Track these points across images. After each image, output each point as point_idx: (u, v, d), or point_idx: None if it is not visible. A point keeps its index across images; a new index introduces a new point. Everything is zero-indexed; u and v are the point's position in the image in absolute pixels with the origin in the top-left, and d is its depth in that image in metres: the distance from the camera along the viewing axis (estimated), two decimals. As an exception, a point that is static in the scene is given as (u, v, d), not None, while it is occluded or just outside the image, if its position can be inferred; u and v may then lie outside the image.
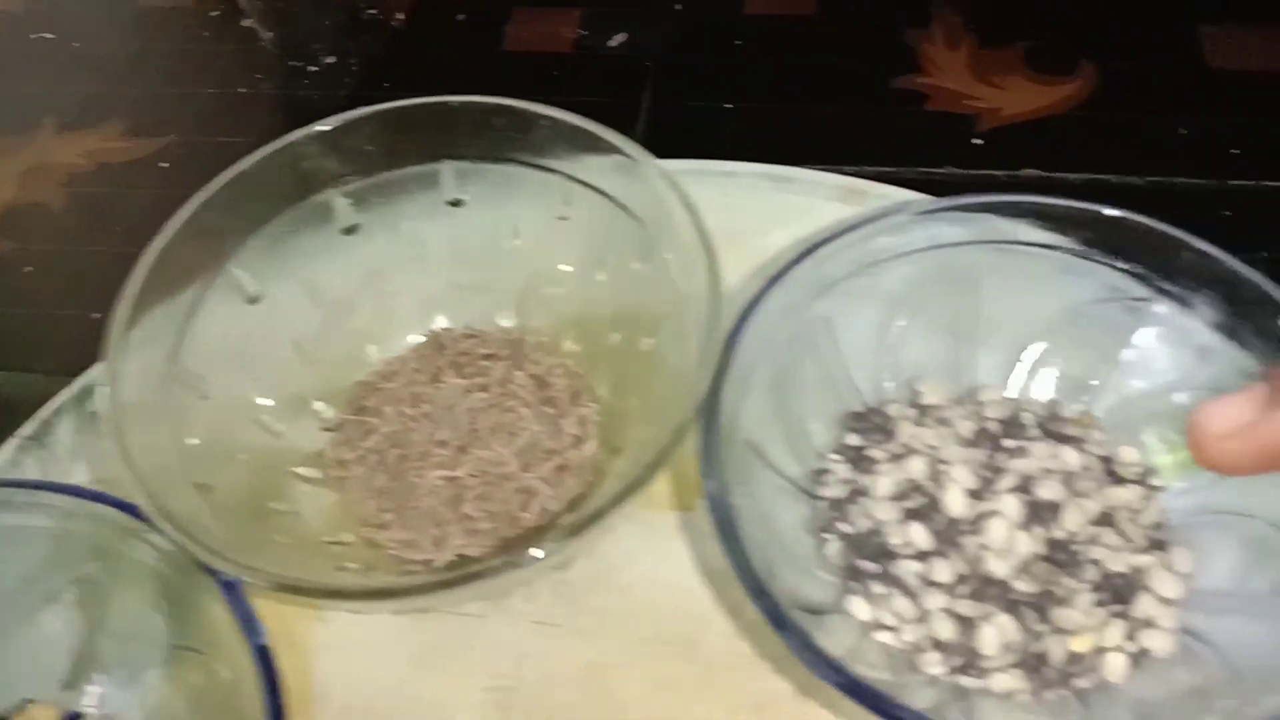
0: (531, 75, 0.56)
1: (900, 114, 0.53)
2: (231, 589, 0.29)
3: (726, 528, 0.28)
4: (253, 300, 0.38)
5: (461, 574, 0.29)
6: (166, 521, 0.29)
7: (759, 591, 0.27)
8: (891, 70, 0.54)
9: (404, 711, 0.35)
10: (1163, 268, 0.34)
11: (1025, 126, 0.52)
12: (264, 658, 0.29)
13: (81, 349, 0.39)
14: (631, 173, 0.36)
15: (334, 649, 0.36)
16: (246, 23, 0.59)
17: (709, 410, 0.30)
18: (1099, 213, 0.34)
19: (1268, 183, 0.49)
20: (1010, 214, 0.35)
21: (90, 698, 0.33)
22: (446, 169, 0.39)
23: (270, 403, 0.38)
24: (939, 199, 0.35)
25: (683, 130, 0.53)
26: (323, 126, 0.37)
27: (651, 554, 0.37)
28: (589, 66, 0.57)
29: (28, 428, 0.40)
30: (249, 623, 0.29)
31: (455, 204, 0.40)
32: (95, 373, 0.40)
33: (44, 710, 0.32)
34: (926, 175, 0.45)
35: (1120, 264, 0.35)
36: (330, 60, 0.58)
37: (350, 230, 0.40)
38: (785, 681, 0.34)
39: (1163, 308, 0.35)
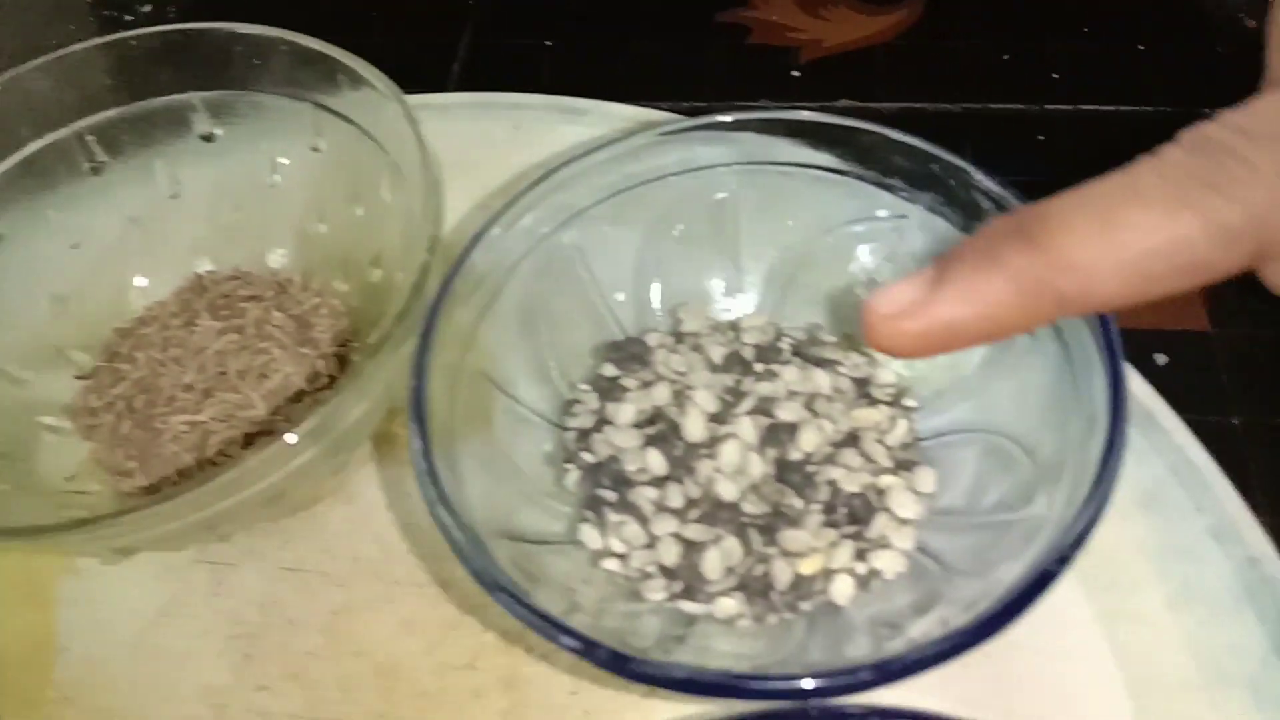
0: (350, 14, 0.55)
1: (722, 48, 0.51)
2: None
3: (431, 494, 0.27)
4: (-9, 245, 0.36)
5: (165, 494, 0.27)
6: None
7: (467, 558, 0.26)
8: (717, 4, 0.53)
9: (145, 661, 0.33)
10: (920, 184, 0.33)
11: (846, 57, 0.51)
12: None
13: None
14: (376, 100, 0.34)
15: (81, 602, 0.35)
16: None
17: (420, 346, 0.29)
18: (854, 128, 0.33)
19: (1084, 107, 0.48)
20: (764, 132, 0.34)
21: None
22: (196, 101, 0.37)
23: (14, 350, 0.36)
24: (687, 119, 0.34)
25: (501, 67, 0.52)
26: (45, 60, 0.35)
27: (407, 500, 0.35)
28: (410, 4, 0.55)
29: None
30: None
31: (208, 139, 0.38)
32: None
33: None
34: (749, 109, 0.44)
35: (879, 181, 0.34)
36: (146, 9, 0.55)
37: (97, 170, 0.38)
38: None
39: (920, 224, 0.34)
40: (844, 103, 0.50)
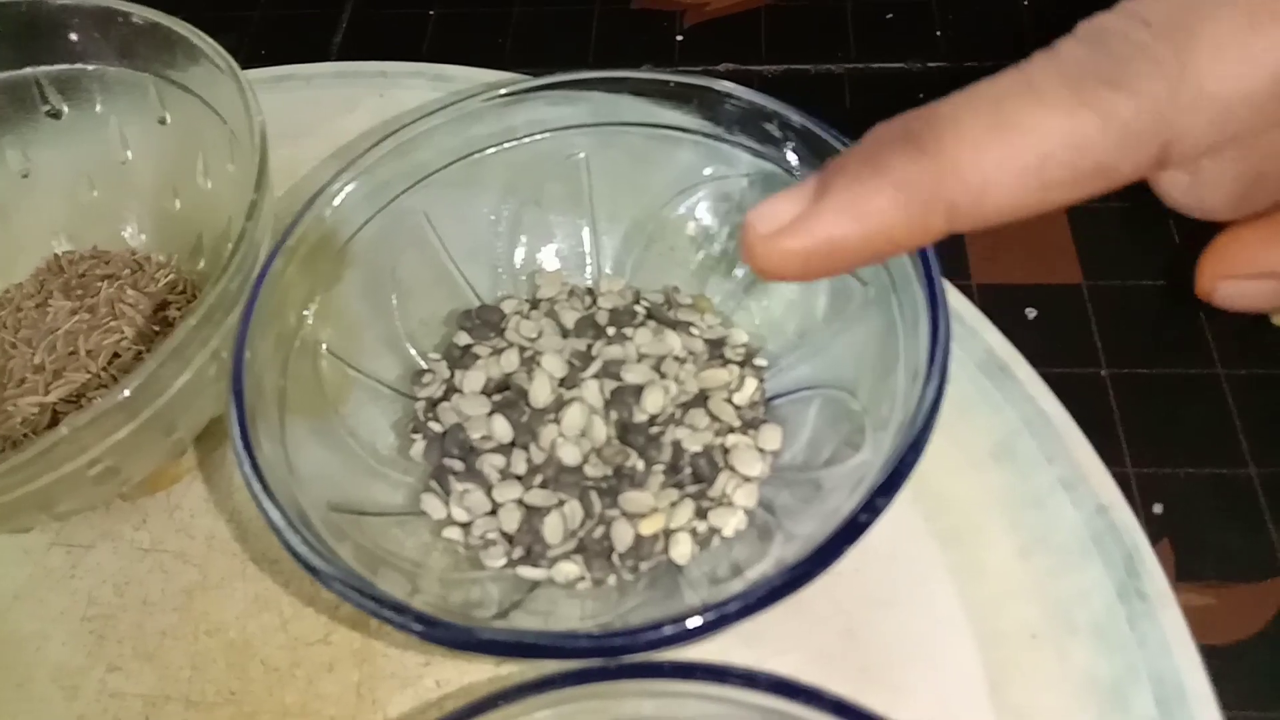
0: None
1: (605, 14, 0.51)
2: None
3: (246, 465, 0.26)
4: None
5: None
6: None
7: (284, 525, 0.25)
8: (603, -31, 0.52)
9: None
10: (764, 139, 0.33)
11: (729, 20, 0.50)
12: None
13: None
14: (211, 72, 0.34)
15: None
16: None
17: (245, 315, 0.28)
18: (695, 85, 0.33)
19: (967, 64, 0.48)
20: (618, 91, 0.34)
21: None
22: (40, 76, 0.37)
23: None
24: (531, 79, 0.34)
25: (382, 37, 0.51)
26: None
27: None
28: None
29: None
30: None
31: (55, 115, 0.37)
32: None
33: None
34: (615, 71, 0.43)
35: (730, 139, 0.33)
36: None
37: (-55, 151, 0.37)
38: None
39: (769, 181, 0.33)
40: (726, 66, 0.49)
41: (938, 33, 0.50)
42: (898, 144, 0.19)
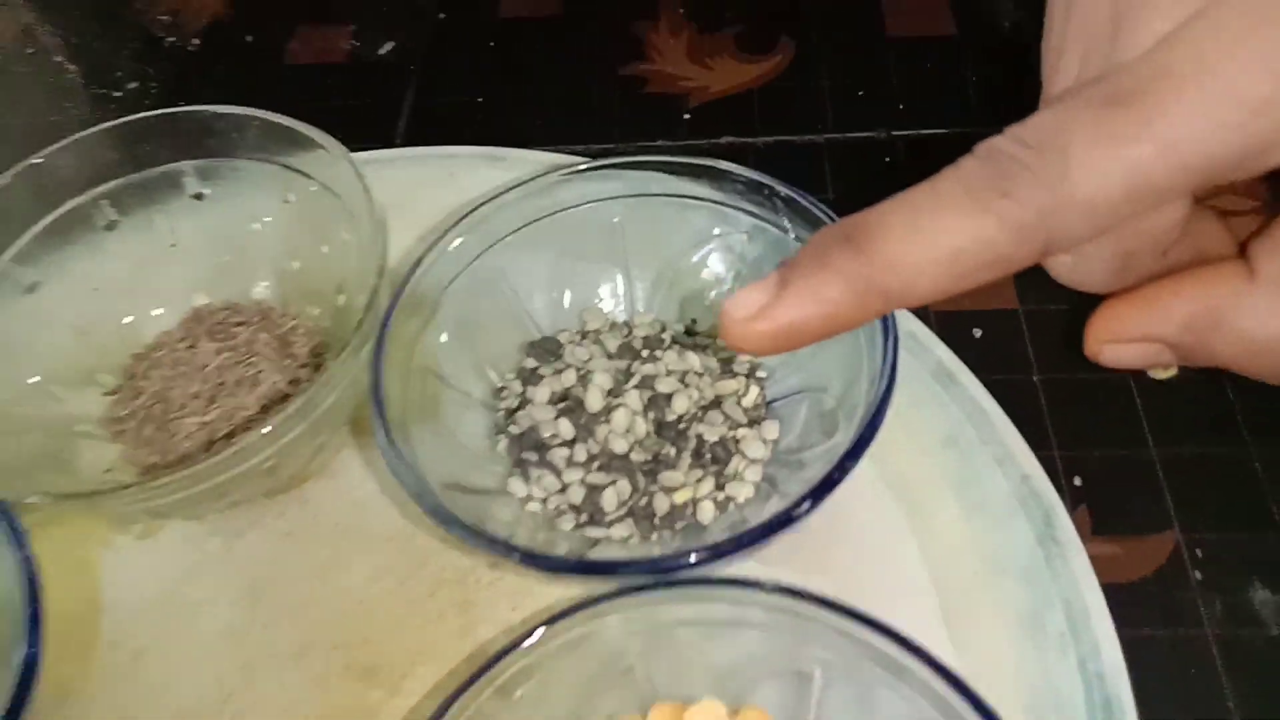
0: (311, 84, 0.64)
1: (624, 97, 0.61)
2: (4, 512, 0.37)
3: (390, 456, 0.36)
4: (30, 290, 0.45)
5: (190, 462, 0.36)
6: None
7: (421, 495, 0.35)
8: (621, 59, 0.63)
9: (175, 611, 0.42)
10: (760, 205, 0.43)
11: (729, 100, 0.60)
12: (27, 565, 0.36)
13: None
14: (329, 160, 0.44)
15: (120, 570, 0.43)
16: (57, 59, 0.66)
17: (375, 351, 0.38)
18: (706, 165, 0.43)
19: (924, 131, 0.58)
20: (647, 169, 0.44)
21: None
22: (187, 168, 0.47)
23: (39, 378, 0.45)
24: (583, 162, 0.44)
25: (439, 122, 0.61)
26: (64, 143, 0.45)
27: (376, 473, 0.45)
28: (361, 73, 0.64)
29: None
30: (16, 536, 0.36)
31: (198, 198, 0.47)
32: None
33: None
34: (642, 148, 0.54)
35: (733, 204, 0.44)
36: (133, 85, 0.64)
37: (111, 226, 0.47)
38: (479, 557, 0.42)
39: (764, 237, 0.43)
40: (727, 139, 0.59)
41: (900, 105, 0.60)
42: (839, 244, 0.24)
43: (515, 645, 0.32)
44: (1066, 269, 0.26)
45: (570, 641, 0.33)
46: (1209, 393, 0.47)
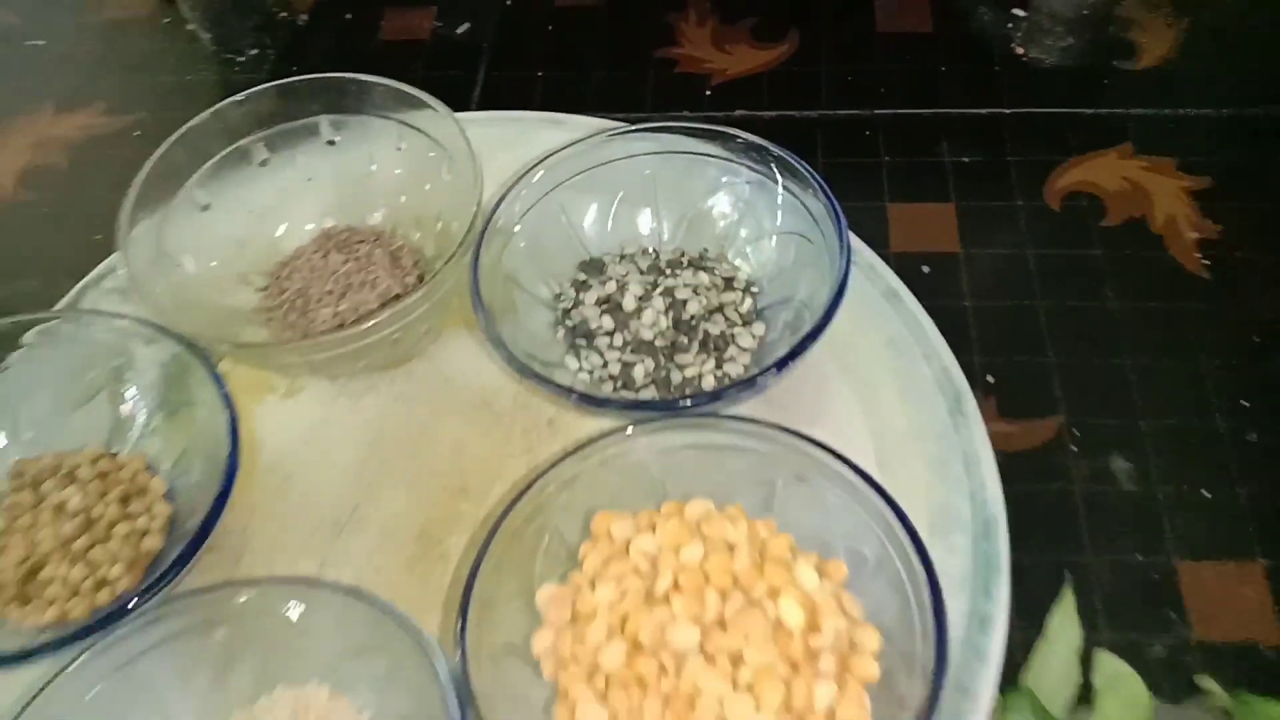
0: (400, 56, 0.78)
1: (657, 75, 0.75)
2: (209, 362, 0.52)
3: (490, 332, 0.51)
4: (204, 209, 0.60)
5: (342, 327, 0.51)
6: (171, 327, 0.52)
7: (510, 359, 0.50)
8: (655, 44, 0.77)
9: (313, 449, 0.57)
10: (758, 161, 0.57)
11: (743, 81, 0.74)
12: (228, 403, 0.51)
13: (89, 256, 0.62)
14: (436, 118, 0.59)
15: (271, 418, 0.58)
16: (190, 27, 0.81)
17: (473, 261, 0.53)
18: (718, 130, 0.57)
19: (902, 111, 0.73)
20: (673, 133, 0.58)
21: (128, 446, 0.55)
22: (324, 120, 0.61)
23: (211, 275, 0.60)
24: (624, 126, 0.58)
25: (508, 93, 0.75)
26: (238, 98, 0.59)
27: (465, 352, 0.59)
28: (442, 48, 0.79)
29: (64, 300, 0.63)
30: (219, 384, 0.51)
31: (331, 143, 0.62)
32: (109, 261, 0.63)
33: (128, 459, 0.54)
34: (669, 118, 0.68)
35: (739, 160, 0.58)
36: (254, 52, 0.79)
37: (264, 164, 0.62)
38: (552, 410, 0.56)
39: (764, 186, 0.58)
40: (740, 112, 0.74)
41: (882, 90, 0.74)
42: None
43: (566, 456, 0.47)
44: None
45: (606, 458, 0.47)
46: (1099, 317, 0.62)
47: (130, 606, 0.45)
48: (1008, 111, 0.64)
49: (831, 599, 0.43)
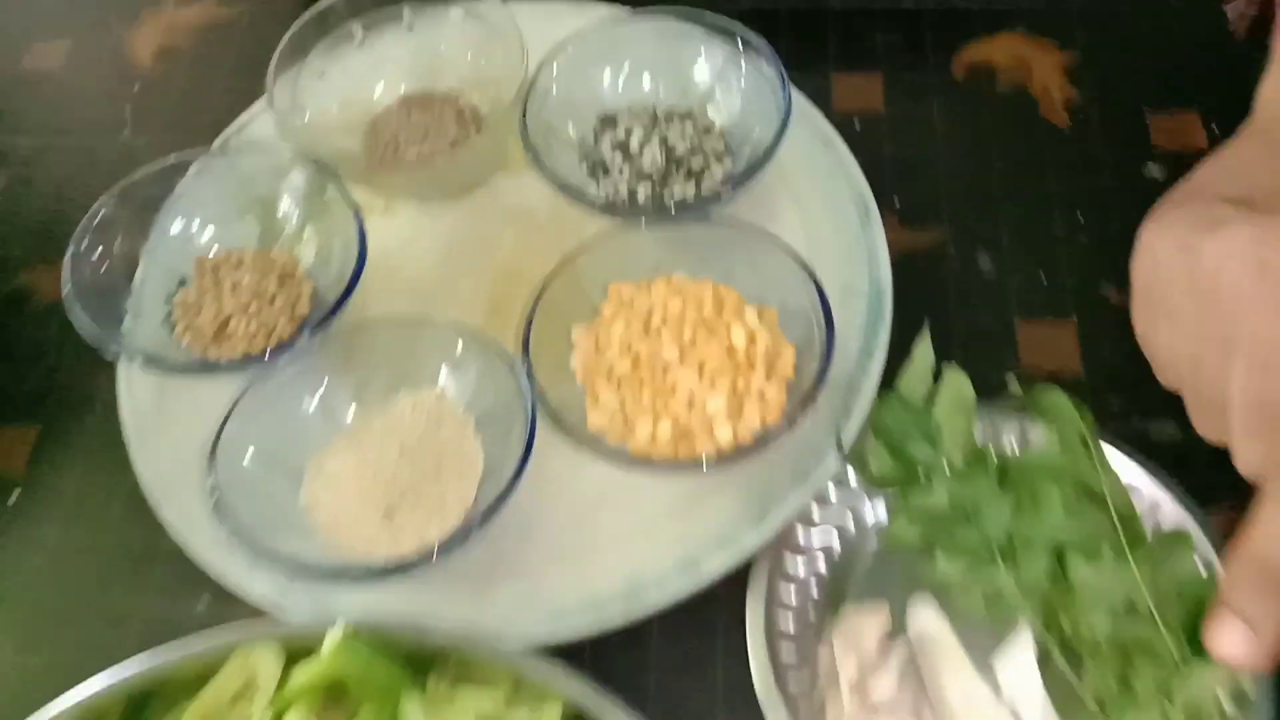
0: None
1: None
2: (339, 180, 0.74)
3: (536, 161, 0.73)
4: (321, 75, 0.82)
5: (409, 168, 0.73)
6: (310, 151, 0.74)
7: (552, 178, 0.72)
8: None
9: (404, 255, 0.79)
10: (732, 40, 0.78)
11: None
12: (356, 212, 0.73)
13: (230, 113, 0.84)
14: (492, 6, 0.80)
15: (373, 232, 0.81)
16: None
17: (521, 114, 0.75)
18: (701, 13, 0.78)
19: (853, 5, 0.93)
20: (668, 16, 0.79)
21: (280, 244, 0.77)
22: (406, 9, 0.83)
23: (332, 124, 0.82)
24: (629, 11, 0.79)
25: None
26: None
27: (517, 182, 0.81)
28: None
29: (216, 143, 0.85)
30: (348, 196, 0.74)
31: (410, 28, 0.83)
32: (239, 120, 0.85)
33: (278, 254, 0.76)
34: (666, 4, 0.87)
35: (717, 38, 0.79)
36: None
37: (361, 43, 0.83)
38: (579, 220, 0.78)
39: (733, 58, 0.79)
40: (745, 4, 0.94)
41: (834, -15, 0.94)
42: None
43: (590, 245, 0.69)
44: None
45: (617, 246, 0.70)
46: (983, 158, 0.83)
47: (293, 344, 0.68)
48: (931, 5, 0.85)
49: (765, 329, 0.66)
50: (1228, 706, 0.55)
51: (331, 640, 0.56)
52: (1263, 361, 0.42)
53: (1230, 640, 0.45)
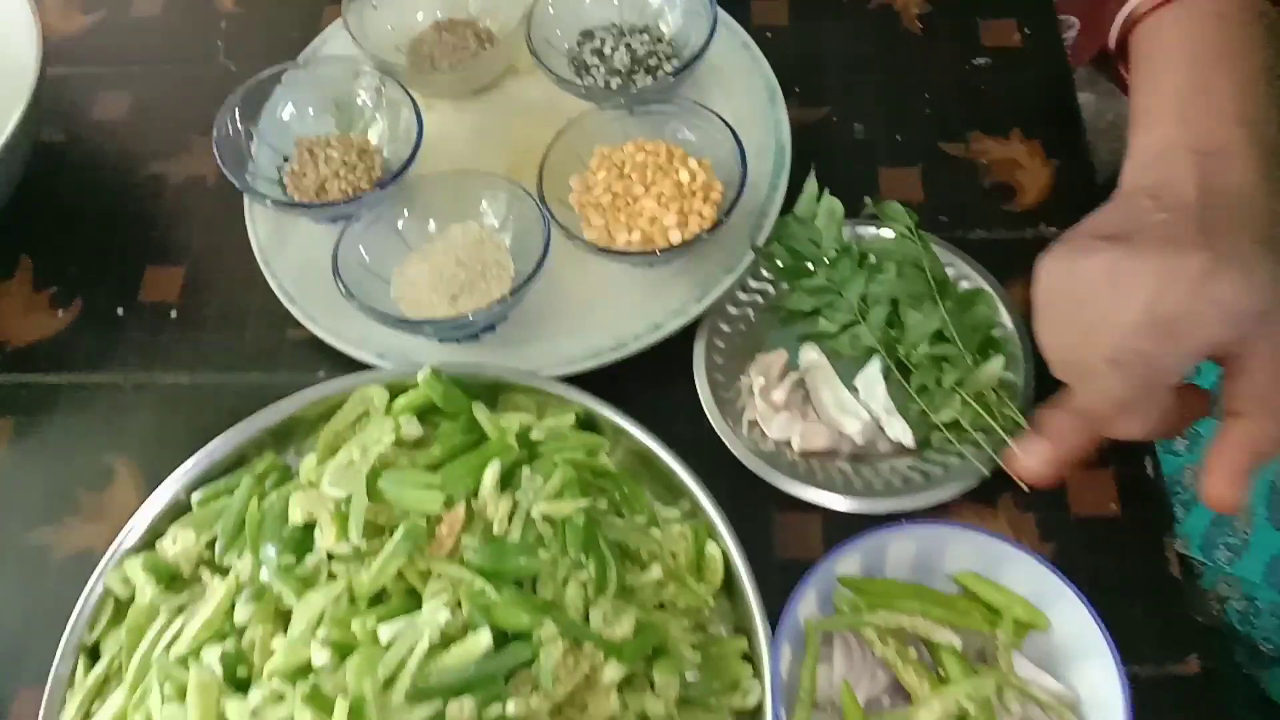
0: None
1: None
2: (403, 81, 1.04)
3: (539, 59, 1.03)
4: (375, 7, 1.12)
5: (447, 70, 1.04)
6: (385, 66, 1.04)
7: (548, 72, 1.03)
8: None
9: (446, 137, 1.10)
10: (675, -26, 1.09)
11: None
12: (414, 103, 1.04)
13: (299, 39, 1.14)
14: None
15: (428, 122, 1.11)
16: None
17: (526, 30, 1.05)
18: (652, -43, 1.09)
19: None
20: (628, -41, 1.10)
21: (357, 130, 1.08)
22: (438, -43, 1.13)
23: (385, 45, 1.12)
24: (602, -45, 1.10)
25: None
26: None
27: (524, 82, 1.12)
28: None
29: (300, 57, 1.14)
30: (407, 91, 1.04)
31: (442, -30, 1.13)
32: (312, 45, 1.15)
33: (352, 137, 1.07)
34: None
35: (664, -26, 1.10)
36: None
37: (406, -19, 1.13)
38: (571, 106, 1.09)
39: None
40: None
41: (754, -70, 1.25)
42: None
43: (579, 117, 1.00)
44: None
45: (600, 120, 1.01)
46: (859, 55, 1.15)
47: (372, 190, 0.99)
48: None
49: (703, 171, 0.97)
50: (997, 392, 0.88)
51: (423, 376, 0.88)
52: (1110, 335, 0.59)
53: (1026, 453, 0.70)
